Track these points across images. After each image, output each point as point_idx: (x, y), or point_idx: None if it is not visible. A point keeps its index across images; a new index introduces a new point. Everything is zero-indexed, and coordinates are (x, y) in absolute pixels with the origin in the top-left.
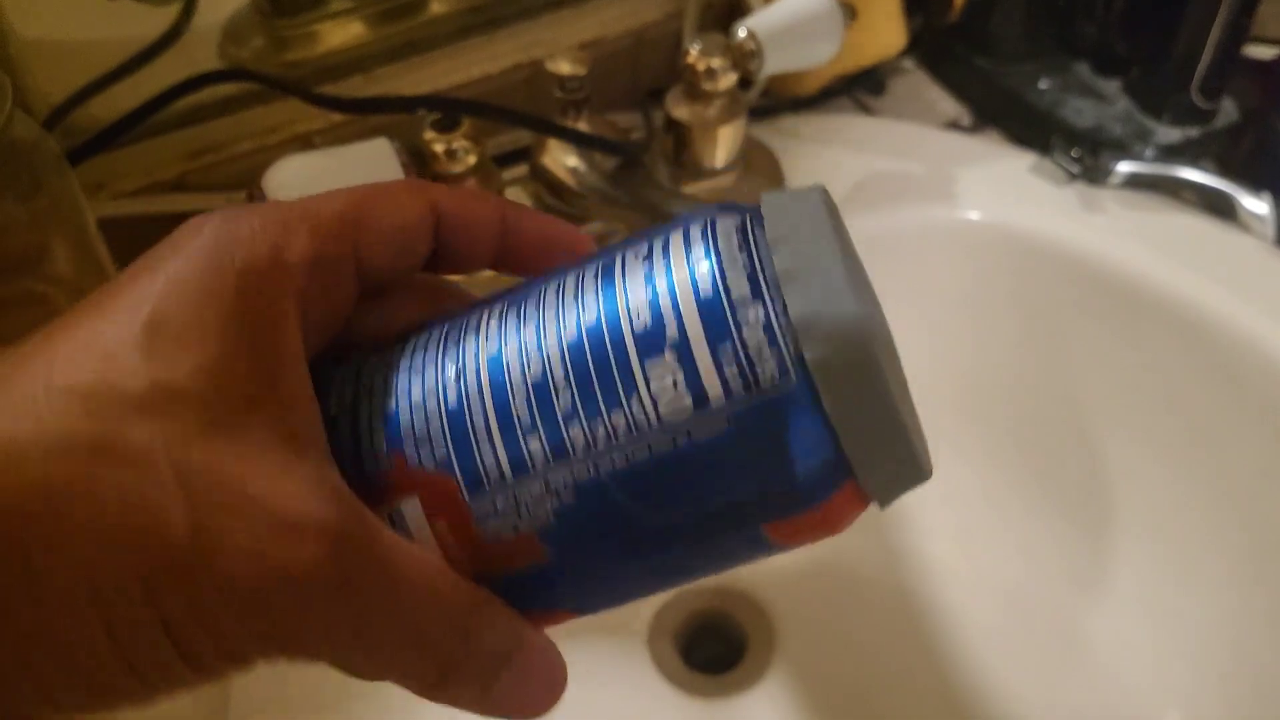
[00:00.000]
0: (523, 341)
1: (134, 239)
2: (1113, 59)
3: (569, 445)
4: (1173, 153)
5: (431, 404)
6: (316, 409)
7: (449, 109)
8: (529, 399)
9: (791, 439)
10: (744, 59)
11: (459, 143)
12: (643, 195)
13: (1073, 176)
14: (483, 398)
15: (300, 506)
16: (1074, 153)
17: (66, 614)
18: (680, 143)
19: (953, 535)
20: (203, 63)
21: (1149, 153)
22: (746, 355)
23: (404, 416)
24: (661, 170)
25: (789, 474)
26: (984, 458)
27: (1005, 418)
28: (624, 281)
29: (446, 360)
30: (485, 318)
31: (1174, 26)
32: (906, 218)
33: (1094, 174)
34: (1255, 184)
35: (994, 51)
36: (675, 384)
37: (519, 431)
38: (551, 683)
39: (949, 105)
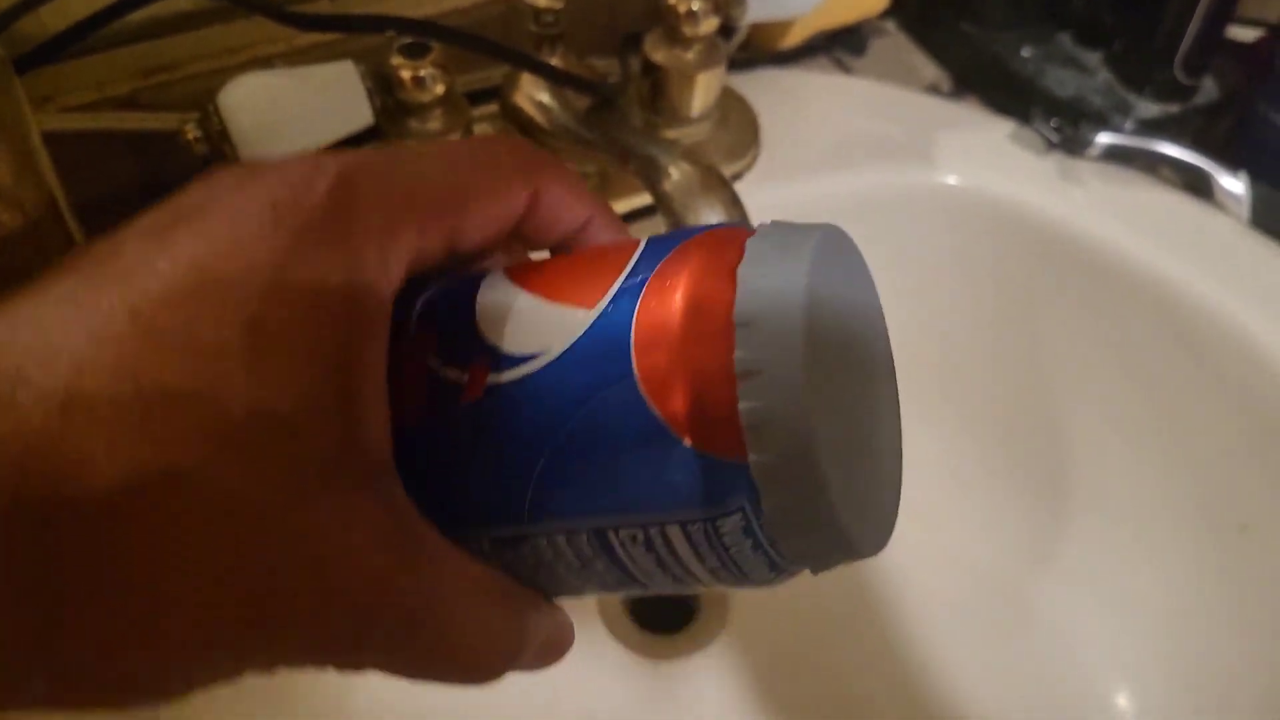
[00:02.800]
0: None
1: (79, 155)
2: (1097, 31)
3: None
4: (1152, 127)
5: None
6: (389, 439)
7: (421, 32)
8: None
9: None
10: (726, 2)
11: (427, 70)
12: (615, 138)
13: (1051, 146)
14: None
15: (369, 565)
16: (1054, 122)
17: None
18: (657, 88)
19: (912, 506)
20: None
21: (1128, 126)
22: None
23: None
24: (636, 114)
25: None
26: (948, 428)
27: (971, 386)
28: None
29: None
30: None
31: (1160, 2)
32: (882, 180)
33: (1073, 144)
34: (1232, 163)
35: (978, 17)
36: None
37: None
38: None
39: (930, 70)
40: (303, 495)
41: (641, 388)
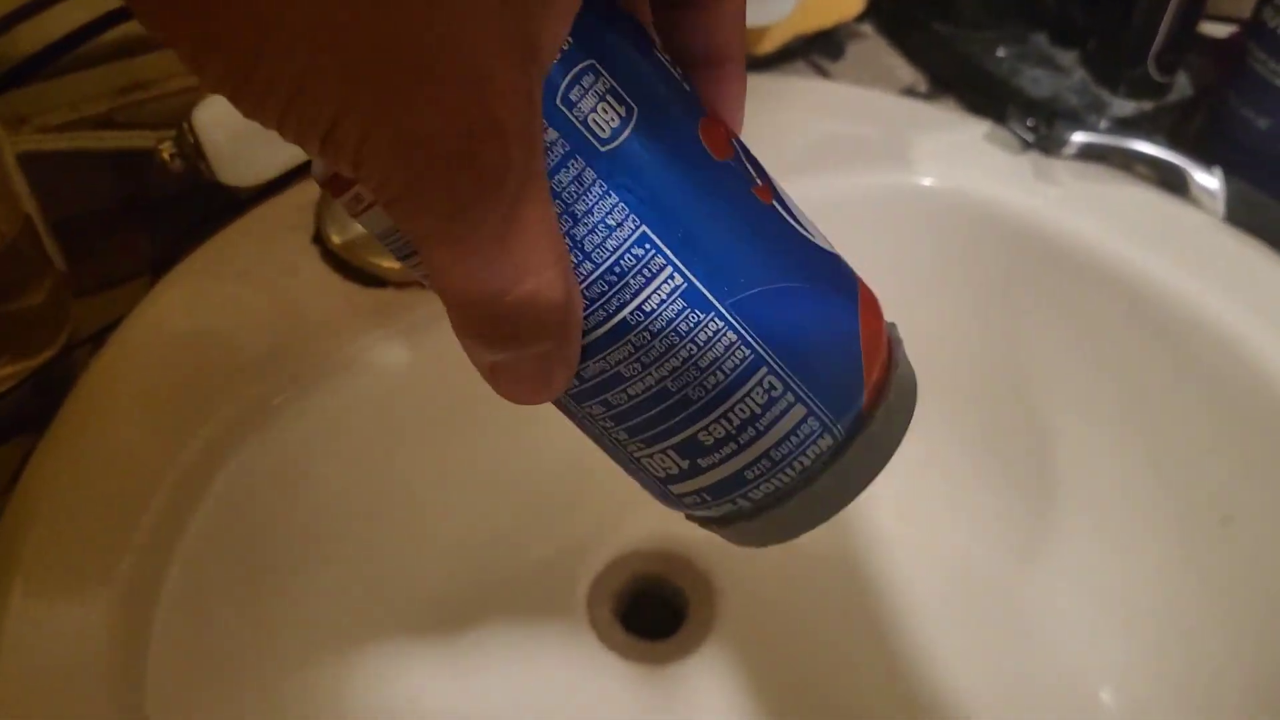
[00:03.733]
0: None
1: (57, 176)
2: (1071, 30)
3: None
4: (1127, 125)
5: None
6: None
7: None
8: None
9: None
10: None
11: None
12: None
13: (1027, 145)
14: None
15: (508, 112)
16: (1029, 122)
17: None
18: None
19: (898, 505)
20: None
21: (1103, 124)
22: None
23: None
24: None
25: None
26: (930, 428)
27: (952, 386)
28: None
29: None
30: None
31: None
32: (859, 182)
33: (1048, 143)
34: (1207, 159)
35: (954, 18)
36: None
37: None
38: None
39: (906, 71)
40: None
41: (860, 308)
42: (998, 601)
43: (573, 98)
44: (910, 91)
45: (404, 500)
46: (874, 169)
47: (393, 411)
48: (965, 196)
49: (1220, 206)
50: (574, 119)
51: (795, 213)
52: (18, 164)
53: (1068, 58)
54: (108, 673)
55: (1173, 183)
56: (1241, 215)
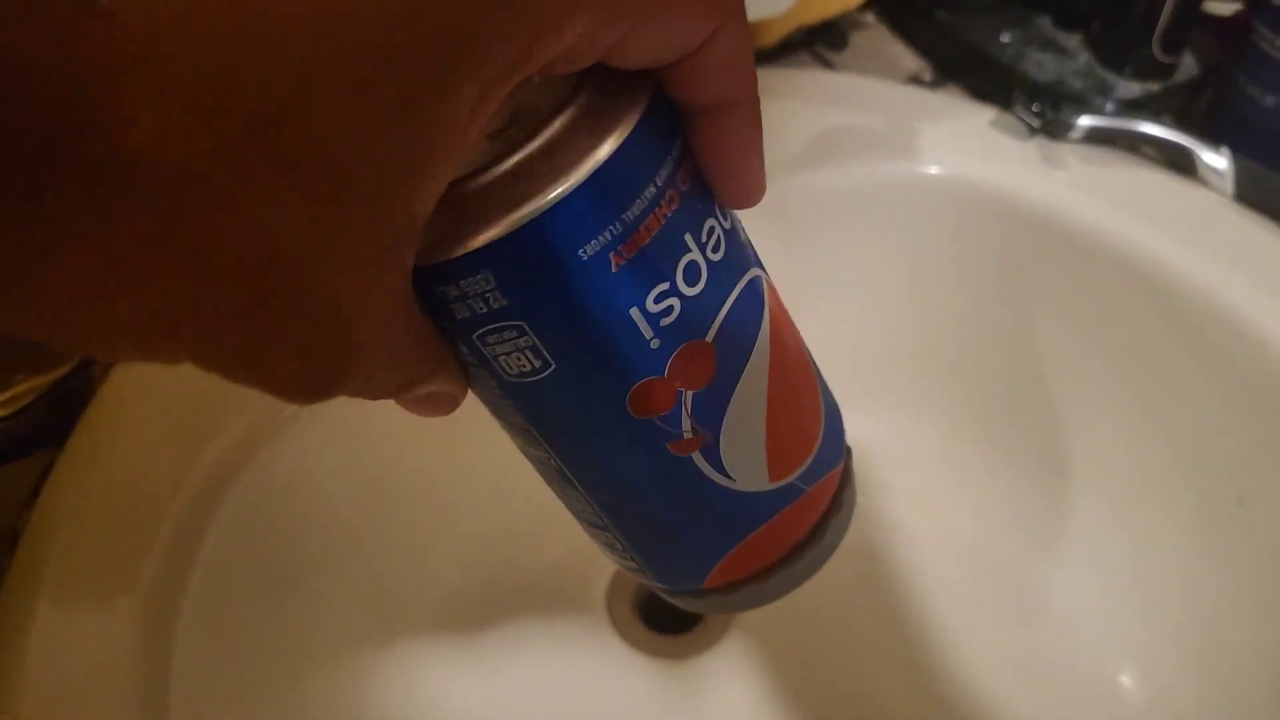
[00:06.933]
0: None
1: None
2: (1074, 13)
3: None
4: (1133, 107)
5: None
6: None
7: None
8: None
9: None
10: None
11: None
12: None
13: (1034, 131)
14: None
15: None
16: (1035, 107)
17: None
18: None
19: (913, 494)
20: None
21: (1109, 107)
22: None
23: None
24: None
25: None
26: (942, 415)
27: (964, 374)
28: None
29: None
30: None
31: None
32: (866, 172)
33: (1055, 128)
34: (1214, 139)
35: (956, 5)
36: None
37: None
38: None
39: (911, 60)
40: (339, 250)
41: (734, 550)
42: (1016, 588)
43: (490, 340)
44: (915, 80)
45: (419, 503)
46: (880, 159)
47: (405, 415)
48: (972, 184)
49: (1229, 186)
50: (486, 354)
51: (726, 458)
52: None
53: (1072, 41)
54: (132, 680)
55: (1180, 163)
56: (1250, 193)
